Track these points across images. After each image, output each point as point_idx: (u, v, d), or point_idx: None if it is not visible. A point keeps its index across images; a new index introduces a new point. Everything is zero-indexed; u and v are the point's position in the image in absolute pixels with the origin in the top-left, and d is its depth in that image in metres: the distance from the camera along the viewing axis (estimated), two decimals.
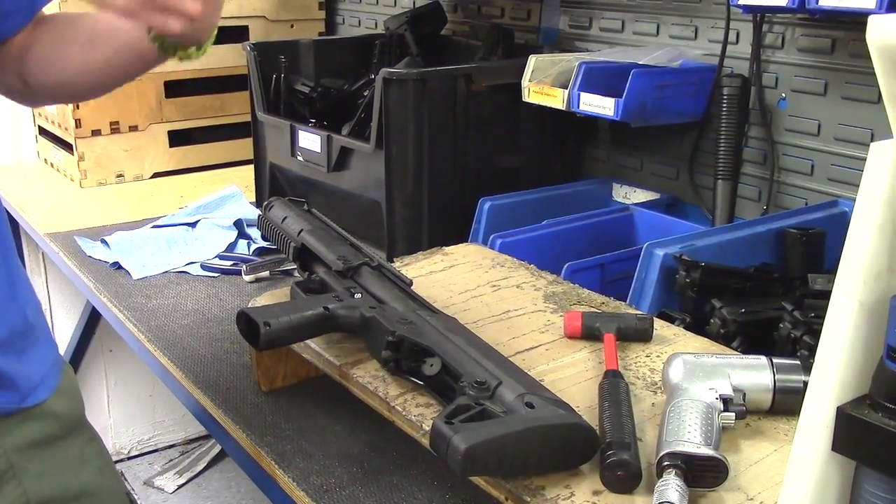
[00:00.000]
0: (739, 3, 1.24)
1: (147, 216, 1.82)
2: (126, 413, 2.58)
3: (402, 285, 1.03)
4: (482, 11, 1.93)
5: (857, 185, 0.53)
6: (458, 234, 1.47)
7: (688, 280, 1.14)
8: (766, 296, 1.15)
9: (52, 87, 1.05)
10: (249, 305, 1.04)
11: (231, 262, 1.57)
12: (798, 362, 0.86)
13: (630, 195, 1.61)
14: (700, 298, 1.14)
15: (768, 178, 1.41)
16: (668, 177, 1.58)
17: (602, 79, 1.42)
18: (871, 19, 0.48)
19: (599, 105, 1.37)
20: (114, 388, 2.52)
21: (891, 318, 0.50)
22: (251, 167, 1.88)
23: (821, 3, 1.14)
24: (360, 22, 2.33)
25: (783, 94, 1.37)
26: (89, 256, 1.61)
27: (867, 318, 0.53)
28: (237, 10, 2.19)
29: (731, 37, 1.42)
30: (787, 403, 0.85)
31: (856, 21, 1.24)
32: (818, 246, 1.23)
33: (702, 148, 1.50)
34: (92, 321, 2.35)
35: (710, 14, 1.47)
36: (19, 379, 0.91)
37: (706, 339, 1.06)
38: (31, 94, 1.06)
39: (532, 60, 1.47)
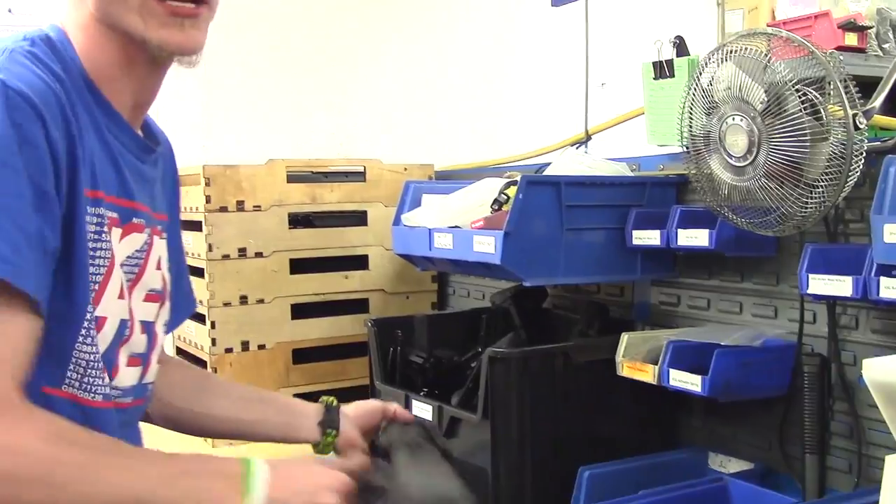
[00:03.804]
0: (809, 291, 1.38)
1: None
2: None
3: None
4: (580, 287, 2.12)
5: None
6: (559, 501, 1.56)
7: None
8: None
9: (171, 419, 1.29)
10: None
11: None
12: None
13: (725, 464, 1.68)
14: None
15: (856, 452, 1.47)
16: (761, 446, 1.65)
17: (690, 356, 1.54)
18: (866, 363, 0.62)
19: (688, 381, 1.49)
20: None
21: None
22: None
23: (882, 294, 1.27)
24: (468, 293, 2.55)
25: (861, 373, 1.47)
26: None
27: None
28: (359, 285, 2.44)
29: (808, 317, 1.55)
30: None
31: None
32: None
33: (790, 420, 1.58)
34: None
35: (787, 297, 1.60)
36: None
37: None
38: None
39: (624, 338, 1.62)
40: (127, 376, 1.10)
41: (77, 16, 1.06)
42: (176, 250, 1.28)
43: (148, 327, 1.13)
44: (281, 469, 1.02)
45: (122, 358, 1.09)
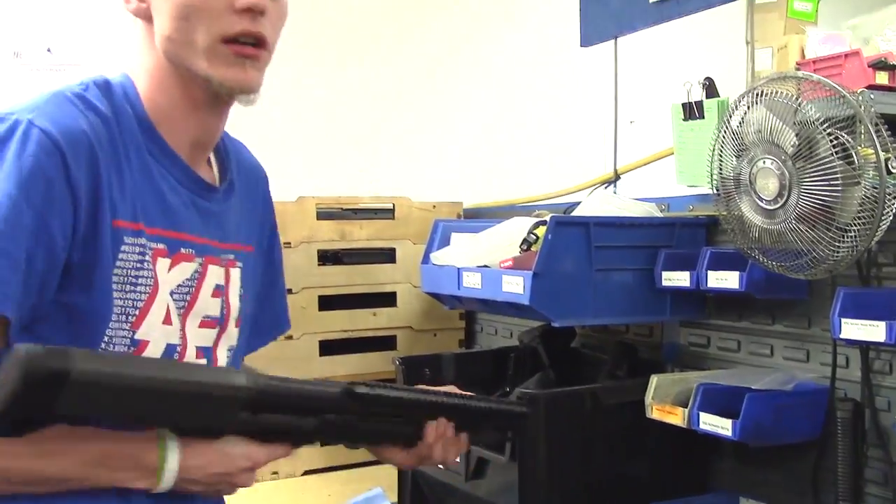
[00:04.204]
0: (842, 336, 1.36)
1: None
2: None
3: None
4: (608, 327, 2.11)
5: None
6: None
7: None
8: None
9: None
10: None
11: None
12: None
13: None
14: None
15: (892, 500, 1.44)
16: (793, 492, 1.63)
17: (720, 399, 1.53)
18: None
19: (718, 425, 1.48)
20: None
21: None
22: (395, 469, 2.03)
23: None
24: (496, 331, 2.55)
25: None
26: None
27: None
28: (387, 322, 2.45)
29: (841, 361, 1.53)
30: None
31: None
32: None
33: (823, 466, 1.55)
34: None
35: (819, 340, 1.58)
36: None
37: None
38: None
39: (654, 380, 1.61)
40: None
41: (145, 62, 1.14)
42: (263, 275, 1.33)
43: (206, 352, 1.18)
44: (195, 452, 1.08)
45: None
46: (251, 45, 1.10)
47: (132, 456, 1.05)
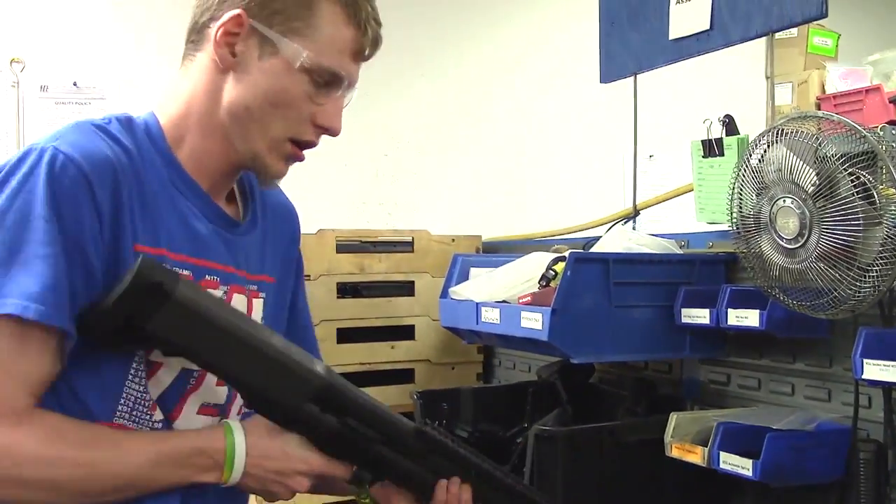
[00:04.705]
0: (864, 377, 1.35)
1: None
2: None
3: None
4: (627, 363, 2.10)
5: None
6: None
7: None
8: None
9: None
10: None
11: None
12: None
13: None
14: None
15: None
16: None
17: (741, 438, 1.51)
18: None
19: (738, 465, 1.46)
20: None
21: None
22: None
23: None
24: (514, 365, 2.54)
25: None
26: None
27: None
28: (405, 356, 2.45)
29: (863, 401, 1.51)
30: None
31: None
32: None
33: None
34: None
35: (841, 379, 1.57)
36: None
37: None
38: None
39: (673, 418, 1.60)
40: (196, 423, 1.15)
41: (196, 104, 1.16)
42: (284, 310, 1.35)
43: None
44: (258, 444, 1.10)
45: (191, 406, 1.15)
46: (302, 153, 1.18)
47: (201, 448, 1.08)
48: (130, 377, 1.09)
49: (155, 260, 1.00)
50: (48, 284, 0.99)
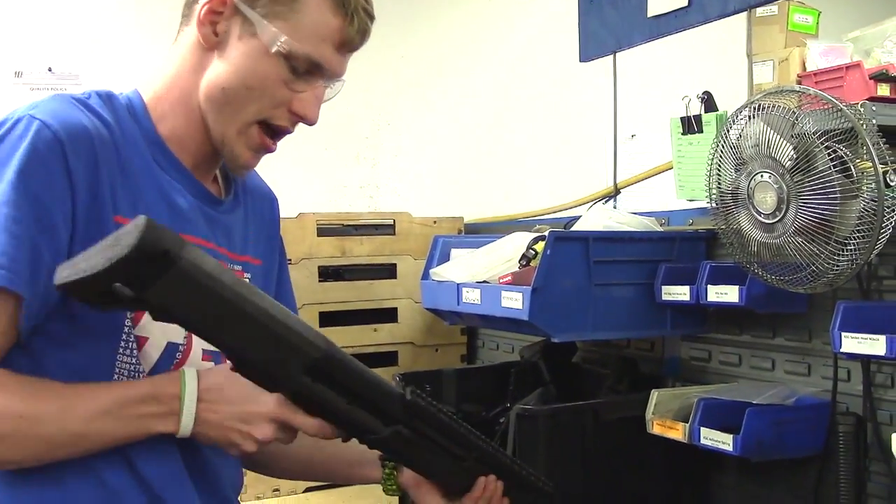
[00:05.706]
0: (842, 350, 1.35)
1: None
2: None
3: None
4: (610, 342, 2.10)
5: None
6: None
7: None
8: None
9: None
10: None
11: None
12: None
13: None
14: None
15: None
16: None
17: (721, 414, 1.52)
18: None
19: (719, 440, 1.47)
20: None
21: None
22: None
23: None
24: (498, 346, 2.54)
25: None
26: None
27: None
28: (389, 338, 2.45)
29: (842, 374, 1.52)
30: None
31: None
32: None
33: (825, 481, 1.54)
34: None
35: (820, 353, 1.57)
36: None
37: None
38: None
39: (654, 395, 1.60)
40: None
41: (179, 83, 1.14)
42: (270, 293, 1.31)
43: (215, 356, 1.16)
44: (213, 389, 1.06)
45: None
46: (274, 144, 1.16)
47: (152, 393, 1.05)
48: (121, 351, 1.08)
49: (156, 222, 0.91)
50: (7, 248, 0.98)
